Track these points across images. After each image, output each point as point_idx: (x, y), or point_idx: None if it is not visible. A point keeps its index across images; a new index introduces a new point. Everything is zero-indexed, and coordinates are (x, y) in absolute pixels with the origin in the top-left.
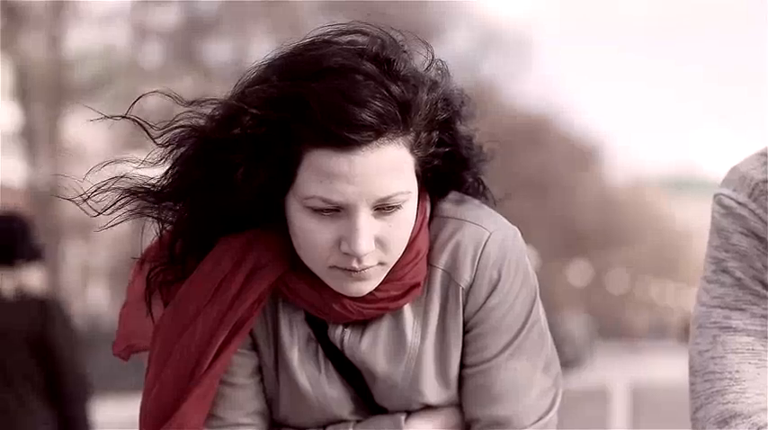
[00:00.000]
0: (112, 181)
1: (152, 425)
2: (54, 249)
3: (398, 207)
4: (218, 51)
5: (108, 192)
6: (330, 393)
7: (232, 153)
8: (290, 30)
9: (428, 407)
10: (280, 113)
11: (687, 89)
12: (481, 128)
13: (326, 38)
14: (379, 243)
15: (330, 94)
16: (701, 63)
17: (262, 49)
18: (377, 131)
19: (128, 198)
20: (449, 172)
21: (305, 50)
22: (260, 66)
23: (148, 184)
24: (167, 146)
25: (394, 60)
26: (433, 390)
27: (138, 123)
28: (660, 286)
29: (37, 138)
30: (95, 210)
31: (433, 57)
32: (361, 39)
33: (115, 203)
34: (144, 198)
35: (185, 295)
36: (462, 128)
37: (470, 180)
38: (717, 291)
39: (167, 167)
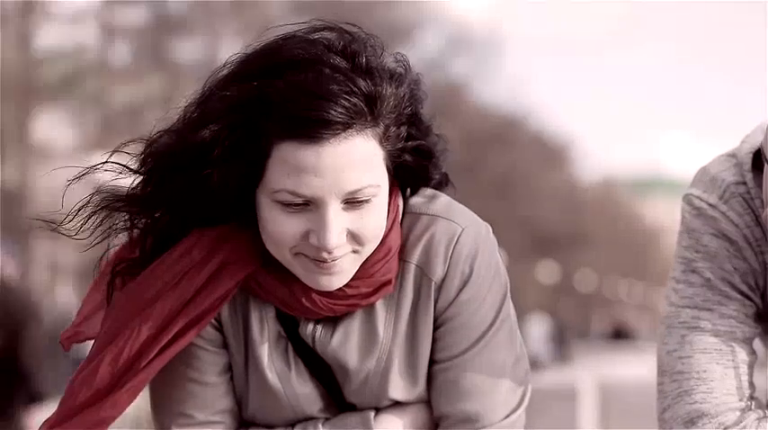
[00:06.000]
0: (88, 198)
1: (83, 396)
2: (23, 248)
3: (368, 201)
4: (188, 50)
5: (85, 208)
6: (300, 390)
7: (205, 161)
8: (261, 30)
9: (397, 404)
10: (247, 114)
11: (655, 91)
12: (452, 128)
13: (290, 33)
14: (350, 235)
15: (294, 89)
16: (670, 66)
17: (232, 48)
18: (344, 125)
19: (104, 215)
20: (418, 166)
21: (267, 46)
22: (225, 66)
23: (122, 197)
24: (141, 170)
25: (361, 54)
26: (402, 387)
27: (120, 164)
28: (628, 285)
29: (5, 136)
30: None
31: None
32: (329, 35)
33: (94, 222)
34: (118, 210)
35: (147, 278)
36: (426, 119)
37: (437, 176)
38: (686, 291)
39: (140, 181)
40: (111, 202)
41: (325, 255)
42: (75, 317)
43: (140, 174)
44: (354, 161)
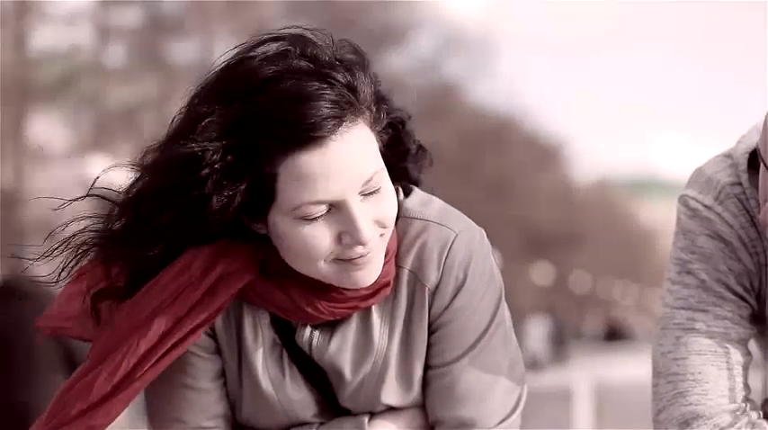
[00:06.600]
0: (74, 238)
1: (77, 409)
2: (17, 250)
3: (379, 189)
4: (183, 51)
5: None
6: (294, 396)
7: (200, 189)
8: (255, 31)
9: (392, 409)
10: (239, 136)
11: (650, 92)
12: (447, 128)
13: (245, 54)
14: (376, 223)
15: (279, 98)
16: (665, 66)
17: (227, 49)
18: (338, 118)
19: (88, 248)
20: (395, 139)
21: (235, 71)
22: (195, 97)
23: (110, 233)
24: (128, 201)
25: (320, 53)
26: (397, 392)
27: (101, 197)
28: (623, 287)
29: (2, 137)
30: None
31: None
32: (275, 45)
33: (74, 257)
34: (107, 245)
35: (143, 297)
36: (385, 91)
37: (414, 146)
38: (681, 292)
39: (129, 214)
40: (96, 239)
41: (360, 250)
42: (56, 307)
43: (129, 213)
44: (358, 151)
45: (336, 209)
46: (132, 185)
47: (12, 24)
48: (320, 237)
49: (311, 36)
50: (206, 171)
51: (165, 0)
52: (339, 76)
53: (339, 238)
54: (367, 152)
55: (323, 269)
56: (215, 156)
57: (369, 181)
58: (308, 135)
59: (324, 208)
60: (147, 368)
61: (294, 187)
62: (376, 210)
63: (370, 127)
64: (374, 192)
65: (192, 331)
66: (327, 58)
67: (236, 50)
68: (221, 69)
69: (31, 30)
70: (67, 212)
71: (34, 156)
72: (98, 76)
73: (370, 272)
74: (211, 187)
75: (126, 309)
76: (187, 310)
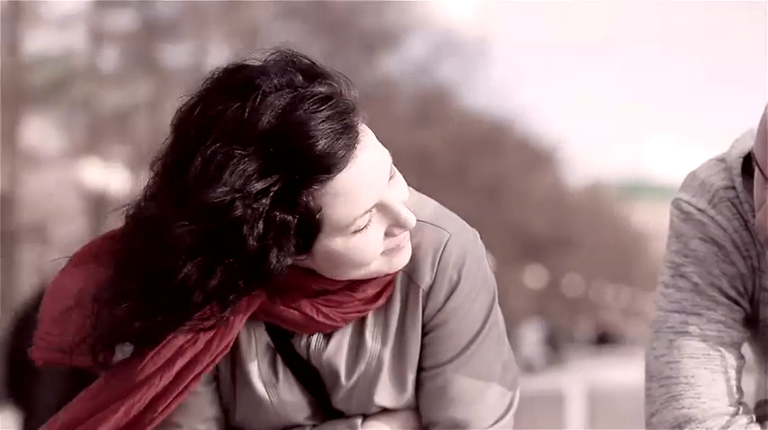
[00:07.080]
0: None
1: None
2: (10, 252)
3: (394, 173)
4: (177, 55)
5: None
6: (287, 399)
7: (241, 241)
8: (249, 34)
9: (385, 411)
10: (275, 180)
11: (643, 95)
12: (440, 132)
13: (216, 107)
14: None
15: (296, 137)
16: (659, 69)
17: (220, 53)
18: (351, 126)
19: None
20: None
21: (223, 125)
22: (200, 137)
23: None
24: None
25: (292, 76)
26: (390, 393)
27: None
28: (615, 290)
29: None
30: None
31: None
32: (221, 89)
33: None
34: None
35: (174, 339)
36: None
37: None
38: (674, 295)
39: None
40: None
41: (403, 233)
42: (45, 334)
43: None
44: (373, 150)
45: (377, 207)
46: (155, 245)
47: (5, 28)
48: (375, 238)
49: (261, 65)
50: (238, 213)
51: (159, 2)
52: (324, 89)
53: (386, 232)
54: (377, 146)
55: (373, 266)
56: (251, 202)
57: (390, 170)
58: (339, 154)
59: (370, 212)
60: (168, 402)
61: (342, 208)
62: (399, 193)
63: (362, 120)
64: (391, 177)
65: (210, 363)
66: (300, 79)
67: (201, 92)
68: (223, 110)
69: (25, 33)
70: (60, 215)
71: (28, 160)
72: (92, 80)
73: (408, 249)
74: (259, 240)
75: (150, 351)
76: (204, 345)
